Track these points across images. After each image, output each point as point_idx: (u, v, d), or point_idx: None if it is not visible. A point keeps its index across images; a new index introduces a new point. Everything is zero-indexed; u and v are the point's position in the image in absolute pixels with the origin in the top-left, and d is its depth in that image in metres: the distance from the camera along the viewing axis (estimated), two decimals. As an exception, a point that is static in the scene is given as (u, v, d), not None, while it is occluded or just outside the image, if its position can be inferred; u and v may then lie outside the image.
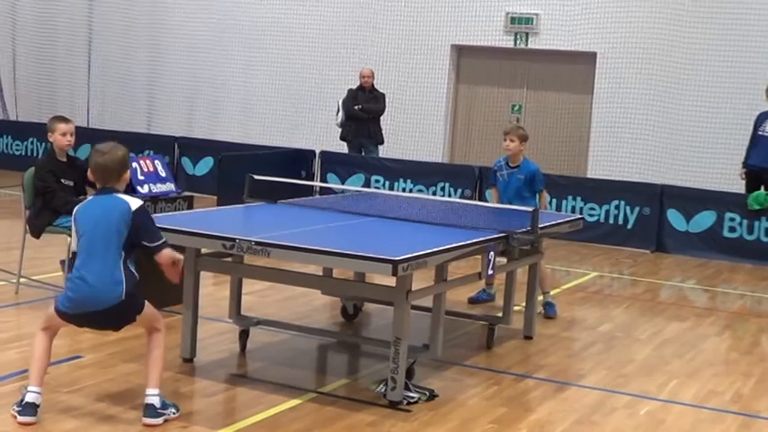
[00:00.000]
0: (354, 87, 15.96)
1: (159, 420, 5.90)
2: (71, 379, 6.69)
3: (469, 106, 18.01)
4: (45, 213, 8.61)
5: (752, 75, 14.98)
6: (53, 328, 6.01)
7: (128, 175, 6.06)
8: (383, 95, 15.95)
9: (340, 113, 15.83)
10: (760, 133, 13.69)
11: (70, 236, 8.33)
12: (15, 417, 5.79)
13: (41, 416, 5.89)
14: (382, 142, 16.11)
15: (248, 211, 8.10)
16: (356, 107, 15.70)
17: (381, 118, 16.01)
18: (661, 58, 16.10)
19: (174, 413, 6.02)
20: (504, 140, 9.52)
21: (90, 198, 6.08)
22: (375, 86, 15.94)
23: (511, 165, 9.58)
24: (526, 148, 9.61)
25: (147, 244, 5.86)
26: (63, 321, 5.92)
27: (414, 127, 17.63)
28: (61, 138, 8.68)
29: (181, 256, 6.02)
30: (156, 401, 5.93)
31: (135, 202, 5.89)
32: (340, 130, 15.99)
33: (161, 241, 5.89)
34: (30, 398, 5.82)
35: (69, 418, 5.94)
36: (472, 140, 18.01)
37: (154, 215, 8.16)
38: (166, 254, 5.87)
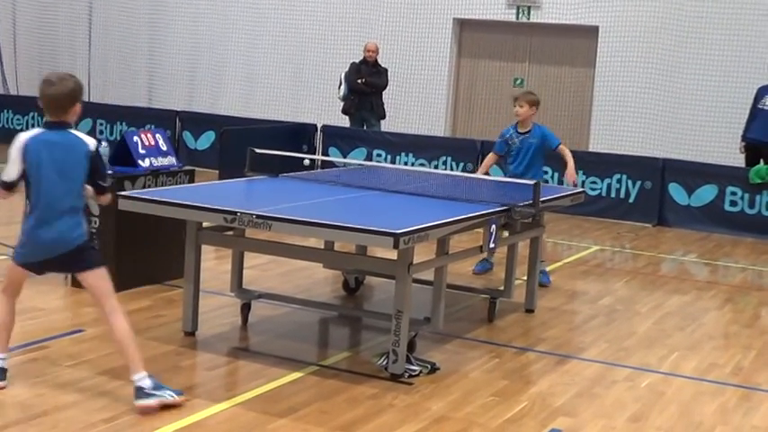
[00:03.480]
0: (358, 61, 15.93)
1: (151, 401, 5.69)
2: (72, 352, 6.70)
3: (472, 80, 17.96)
4: None
5: (754, 49, 14.94)
6: (14, 286, 6.08)
7: (79, 108, 5.87)
8: (386, 70, 15.92)
9: (342, 87, 15.80)
10: (760, 107, 13.71)
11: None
12: None
13: (43, 389, 5.92)
14: (384, 116, 16.09)
15: (250, 185, 8.10)
16: (359, 81, 15.67)
17: (384, 92, 15.99)
18: (663, 32, 16.04)
19: (171, 396, 5.77)
20: (515, 106, 9.61)
21: (43, 131, 5.83)
22: (378, 61, 15.91)
23: (520, 131, 9.65)
24: (536, 114, 9.69)
25: (102, 184, 5.92)
26: (24, 271, 6.01)
27: (416, 101, 17.59)
28: None
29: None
30: (144, 384, 5.73)
31: (92, 142, 5.83)
32: (342, 103, 15.97)
33: (110, 182, 6.10)
34: None
35: (71, 392, 5.95)
36: (474, 114, 17.97)
37: (154, 189, 8.22)
38: (110, 196, 6.09)
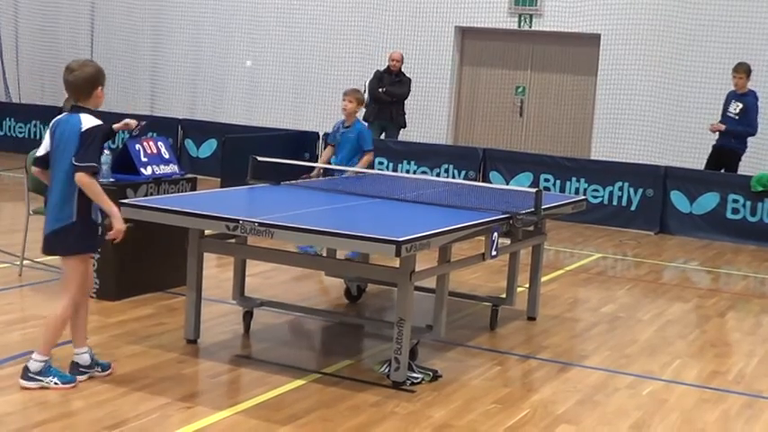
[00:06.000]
0: (382, 69, 15.93)
1: (33, 384, 6.09)
2: (75, 360, 6.70)
3: (473, 88, 17.98)
4: None
5: (756, 56, 14.94)
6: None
7: (100, 91, 6.18)
8: (409, 80, 15.88)
9: (365, 95, 15.80)
10: (726, 113, 13.74)
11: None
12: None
13: (47, 397, 5.94)
14: (404, 125, 16.08)
15: (252, 193, 8.11)
16: (380, 90, 15.67)
17: (405, 101, 15.96)
18: (665, 39, 16.06)
19: (55, 382, 6.13)
20: (343, 101, 10.18)
21: (64, 114, 6.20)
22: (402, 70, 15.88)
23: (345, 125, 10.22)
24: (360, 111, 10.44)
25: (74, 162, 5.93)
26: None
27: (418, 109, 17.59)
28: None
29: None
30: (33, 366, 6.12)
31: (88, 122, 5.99)
32: (364, 110, 15.95)
33: (85, 164, 5.91)
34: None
35: (73, 399, 5.97)
36: (476, 122, 17.99)
37: (156, 197, 8.21)
38: (81, 177, 5.91)
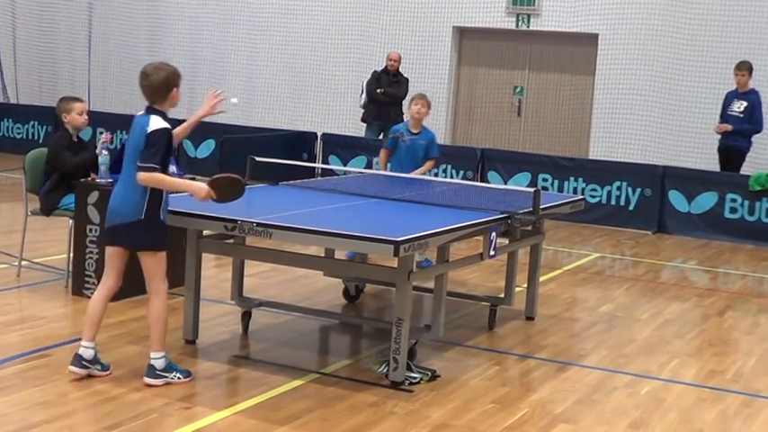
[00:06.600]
0: (379, 70, 15.89)
1: (157, 381, 6.27)
2: (74, 360, 6.70)
3: (471, 88, 17.97)
4: (60, 190, 8.59)
5: (755, 56, 14.94)
6: (108, 271, 6.47)
7: (176, 92, 6.44)
8: (406, 80, 15.80)
9: (363, 95, 15.76)
10: (729, 113, 13.77)
11: (72, 218, 8.43)
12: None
13: (46, 397, 5.94)
14: None
15: (250, 193, 8.08)
16: (377, 90, 15.62)
17: (403, 102, 15.93)
18: (663, 39, 16.06)
19: (178, 378, 6.34)
20: (415, 105, 10.01)
21: (139, 114, 6.39)
22: (400, 70, 15.84)
23: (413, 131, 10.03)
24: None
25: (137, 162, 6.13)
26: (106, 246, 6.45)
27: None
28: (78, 117, 8.71)
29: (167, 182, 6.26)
30: (157, 364, 6.30)
31: (155, 124, 6.19)
32: (362, 111, 15.93)
33: (144, 165, 6.10)
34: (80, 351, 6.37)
35: (72, 400, 5.97)
36: (474, 122, 17.99)
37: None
38: (139, 176, 6.09)
